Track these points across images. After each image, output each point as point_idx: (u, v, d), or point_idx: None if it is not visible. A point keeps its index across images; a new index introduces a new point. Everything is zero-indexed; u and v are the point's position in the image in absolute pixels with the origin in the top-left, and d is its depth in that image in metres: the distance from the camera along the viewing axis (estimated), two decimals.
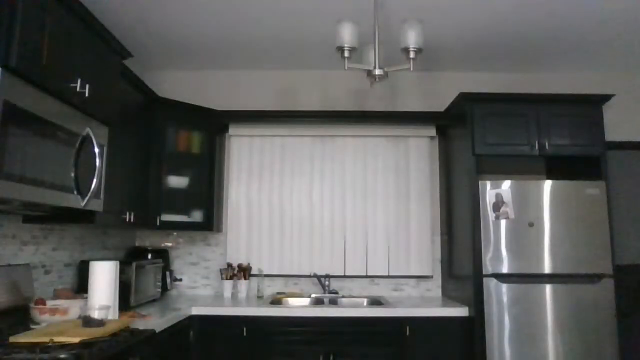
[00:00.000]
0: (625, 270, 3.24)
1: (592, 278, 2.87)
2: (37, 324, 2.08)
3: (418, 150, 3.68)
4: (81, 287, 2.64)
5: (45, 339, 1.70)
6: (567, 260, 2.88)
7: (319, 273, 3.50)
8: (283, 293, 3.47)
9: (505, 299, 2.85)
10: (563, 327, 2.81)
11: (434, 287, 3.57)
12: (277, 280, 3.58)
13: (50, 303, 2.21)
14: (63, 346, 1.68)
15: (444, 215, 3.57)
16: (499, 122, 3.06)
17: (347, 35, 2.28)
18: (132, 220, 2.76)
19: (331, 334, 2.87)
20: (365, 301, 3.38)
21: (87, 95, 2.03)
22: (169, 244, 3.63)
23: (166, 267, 3.40)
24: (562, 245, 2.89)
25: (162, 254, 3.43)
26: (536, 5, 2.72)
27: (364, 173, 3.66)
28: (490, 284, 2.86)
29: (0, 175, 1.57)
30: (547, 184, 2.97)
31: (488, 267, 2.89)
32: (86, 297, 2.27)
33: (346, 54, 2.30)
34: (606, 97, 3.09)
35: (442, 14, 2.82)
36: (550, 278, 2.86)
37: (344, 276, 3.55)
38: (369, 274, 3.55)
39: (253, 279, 3.49)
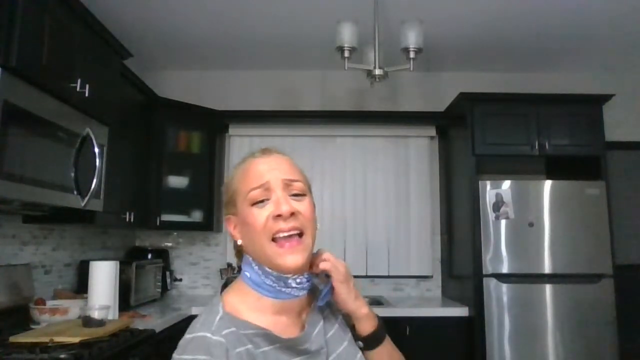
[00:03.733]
0: (625, 270, 3.24)
1: (592, 278, 2.87)
2: (37, 324, 2.08)
3: (418, 150, 3.67)
4: (81, 287, 2.63)
5: (45, 339, 1.70)
6: (567, 260, 2.88)
7: None
8: None
9: (505, 299, 2.84)
10: (563, 327, 2.81)
11: (434, 287, 3.57)
12: None
13: (50, 303, 2.21)
14: (63, 346, 1.68)
15: (444, 215, 3.57)
16: (499, 122, 3.06)
17: (347, 35, 2.28)
18: (132, 220, 2.76)
19: None
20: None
21: (87, 95, 2.03)
22: (169, 244, 3.63)
23: (166, 267, 3.40)
24: (562, 245, 2.89)
25: (162, 254, 3.43)
26: (536, 5, 2.72)
27: (364, 173, 3.65)
28: (490, 284, 2.86)
29: (0, 175, 1.57)
30: (547, 184, 2.96)
31: (488, 267, 2.88)
32: (86, 297, 2.27)
33: (346, 54, 2.30)
34: (606, 97, 3.09)
35: (442, 13, 2.82)
36: (550, 278, 2.86)
37: None
38: (369, 274, 3.54)
39: None
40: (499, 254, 2.89)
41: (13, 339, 1.74)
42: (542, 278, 2.86)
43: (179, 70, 3.75)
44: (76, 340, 1.73)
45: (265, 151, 0.92)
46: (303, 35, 3.13)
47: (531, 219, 2.91)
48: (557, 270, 2.87)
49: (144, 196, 3.02)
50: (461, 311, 2.94)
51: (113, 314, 2.26)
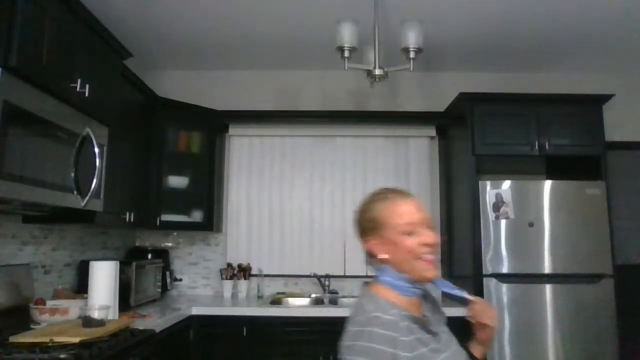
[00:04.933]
0: (625, 270, 3.24)
1: (592, 278, 2.87)
2: (37, 324, 2.08)
3: (418, 150, 3.67)
4: (81, 287, 2.63)
5: (45, 339, 1.70)
6: (567, 260, 2.88)
7: (319, 273, 3.50)
8: (283, 293, 3.47)
9: (505, 299, 2.85)
10: (563, 327, 2.81)
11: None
12: (277, 280, 3.58)
13: (50, 303, 2.21)
14: (63, 346, 1.68)
15: (444, 215, 3.56)
16: (499, 122, 3.06)
17: (347, 35, 2.28)
18: (132, 220, 2.75)
19: (331, 334, 2.84)
20: None
21: (87, 95, 2.03)
22: (169, 244, 3.63)
23: (166, 267, 3.40)
24: (562, 245, 2.89)
25: (162, 254, 3.43)
26: (536, 6, 2.72)
27: (364, 173, 3.65)
28: (490, 284, 2.86)
29: (0, 175, 1.57)
30: (547, 184, 2.96)
31: (488, 267, 2.88)
32: (86, 297, 2.27)
33: (346, 54, 2.30)
34: (606, 97, 3.09)
35: (442, 13, 2.82)
36: (550, 278, 2.86)
37: (344, 276, 3.54)
38: (369, 274, 3.52)
39: (253, 279, 3.48)
40: (499, 254, 2.89)
41: (13, 339, 1.74)
42: (542, 278, 2.86)
43: (179, 70, 3.75)
44: (76, 340, 1.73)
45: (403, 194, 1.25)
46: (303, 35, 3.13)
47: (531, 219, 2.91)
48: (557, 270, 2.87)
49: (144, 196, 3.02)
50: (461, 311, 2.94)
51: (113, 314, 2.26)
